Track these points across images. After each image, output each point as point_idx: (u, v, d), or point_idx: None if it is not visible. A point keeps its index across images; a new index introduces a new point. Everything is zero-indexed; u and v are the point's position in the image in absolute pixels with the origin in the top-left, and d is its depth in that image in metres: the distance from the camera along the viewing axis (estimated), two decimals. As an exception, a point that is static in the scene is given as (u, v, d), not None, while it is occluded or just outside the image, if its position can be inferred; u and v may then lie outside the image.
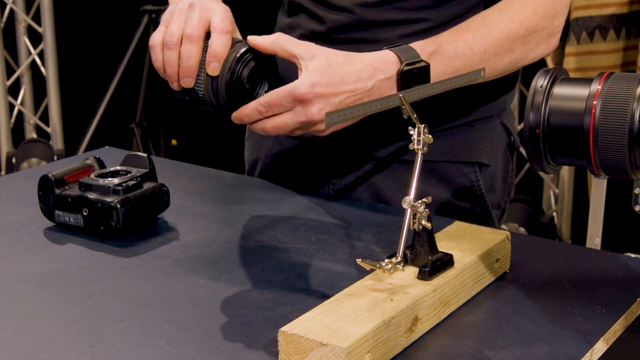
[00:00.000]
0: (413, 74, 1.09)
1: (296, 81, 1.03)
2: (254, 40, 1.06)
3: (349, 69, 1.06)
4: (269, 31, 1.14)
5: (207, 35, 1.06)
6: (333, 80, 1.04)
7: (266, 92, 1.07)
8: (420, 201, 0.90)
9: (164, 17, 1.09)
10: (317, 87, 1.03)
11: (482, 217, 1.29)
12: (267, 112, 1.04)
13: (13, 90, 3.60)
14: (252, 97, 1.07)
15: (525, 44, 1.16)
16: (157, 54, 1.07)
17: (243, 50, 1.05)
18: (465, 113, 1.28)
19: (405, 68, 1.08)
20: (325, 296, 0.89)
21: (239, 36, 1.11)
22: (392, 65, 1.08)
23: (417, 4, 1.22)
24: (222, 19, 1.05)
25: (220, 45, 1.03)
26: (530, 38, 1.16)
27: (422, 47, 1.11)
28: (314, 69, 1.04)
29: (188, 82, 1.05)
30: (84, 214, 1.09)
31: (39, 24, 3.50)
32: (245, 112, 1.05)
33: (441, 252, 0.93)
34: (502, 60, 1.16)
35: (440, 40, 1.13)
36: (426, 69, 1.10)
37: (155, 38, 1.07)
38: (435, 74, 1.11)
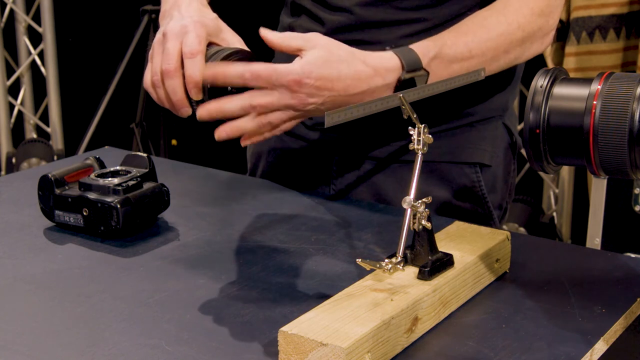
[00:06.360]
0: (411, 82, 1.10)
1: (291, 66, 1.02)
2: (265, 33, 1.05)
3: (349, 66, 1.05)
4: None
5: None
6: (327, 73, 1.03)
7: None
8: (420, 201, 0.90)
9: (150, 51, 1.10)
10: (310, 78, 1.02)
11: (483, 217, 1.29)
12: (252, 82, 1.02)
13: (13, 90, 3.60)
14: None
15: (521, 45, 1.17)
16: (153, 94, 1.09)
17: (225, 54, 1.05)
18: (467, 114, 1.28)
19: (406, 76, 1.09)
20: (325, 296, 0.89)
21: (229, 36, 1.10)
22: (394, 72, 1.09)
23: (416, 3, 1.21)
24: (191, 40, 1.04)
25: (192, 70, 1.03)
26: (527, 39, 1.17)
27: (424, 52, 1.11)
28: (311, 59, 1.03)
29: (185, 112, 1.07)
30: (84, 214, 1.09)
31: (39, 24, 3.50)
32: (224, 76, 1.02)
33: (441, 252, 0.93)
34: (498, 62, 1.17)
35: (441, 44, 1.13)
36: (424, 78, 1.11)
37: (147, 79, 1.08)
38: (433, 79, 1.12)
